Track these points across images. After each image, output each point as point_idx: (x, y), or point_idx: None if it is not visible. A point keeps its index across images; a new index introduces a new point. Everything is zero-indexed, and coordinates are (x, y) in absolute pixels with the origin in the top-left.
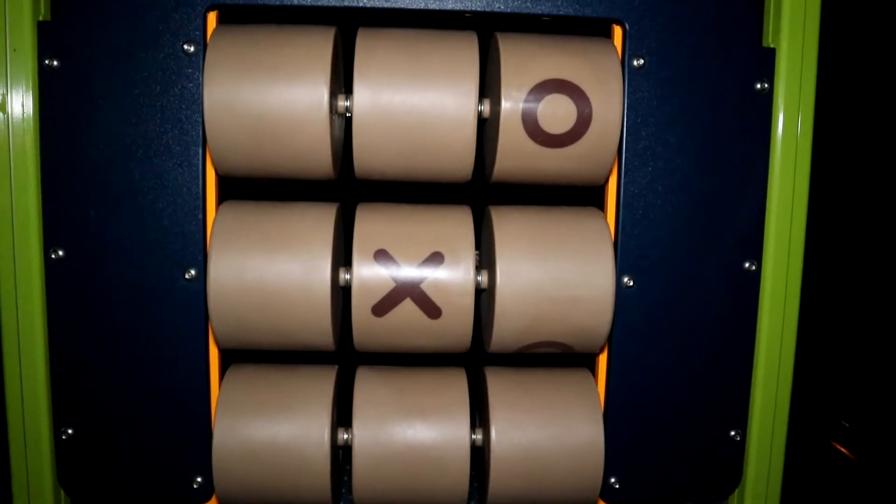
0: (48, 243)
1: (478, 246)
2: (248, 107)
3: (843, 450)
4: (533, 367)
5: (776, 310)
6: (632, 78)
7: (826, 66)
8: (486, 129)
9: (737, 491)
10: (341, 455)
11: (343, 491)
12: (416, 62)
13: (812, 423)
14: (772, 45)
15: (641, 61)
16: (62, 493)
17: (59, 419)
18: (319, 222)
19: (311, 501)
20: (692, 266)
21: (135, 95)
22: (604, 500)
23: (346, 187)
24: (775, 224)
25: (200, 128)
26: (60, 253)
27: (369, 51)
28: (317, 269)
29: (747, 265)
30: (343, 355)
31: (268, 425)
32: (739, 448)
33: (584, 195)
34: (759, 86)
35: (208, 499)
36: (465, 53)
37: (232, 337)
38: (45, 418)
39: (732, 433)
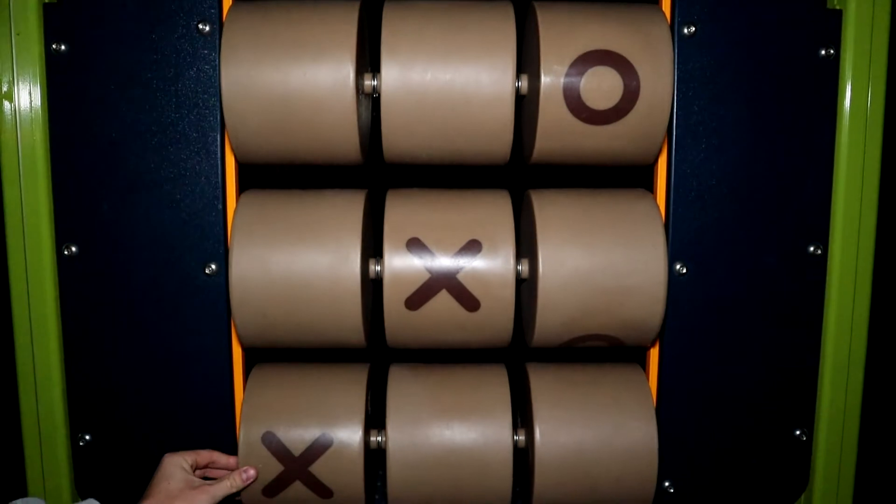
0: (60, 240)
1: (517, 232)
2: (269, 89)
3: None
4: (578, 363)
5: (845, 297)
6: (682, 47)
7: None
8: (525, 106)
9: (803, 496)
10: (374, 459)
11: (377, 497)
12: (448, 36)
13: (887, 421)
14: (838, 7)
15: (693, 29)
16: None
17: (75, 425)
18: (347, 211)
19: None
20: (751, 251)
21: (148, 80)
22: None
23: (375, 173)
24: (843, 204)
25: (218, 112)
26: (74, 249)
27: (397, 25)
28: (346, 261)
29: (812, 249)
30: (374, 353)
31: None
32: (806, 448)
33: (631, 177)
34: (823, 52)
35: None
36: (500, 25)
37: (256, 335)
38: (61, 424)
39: (798, 432)
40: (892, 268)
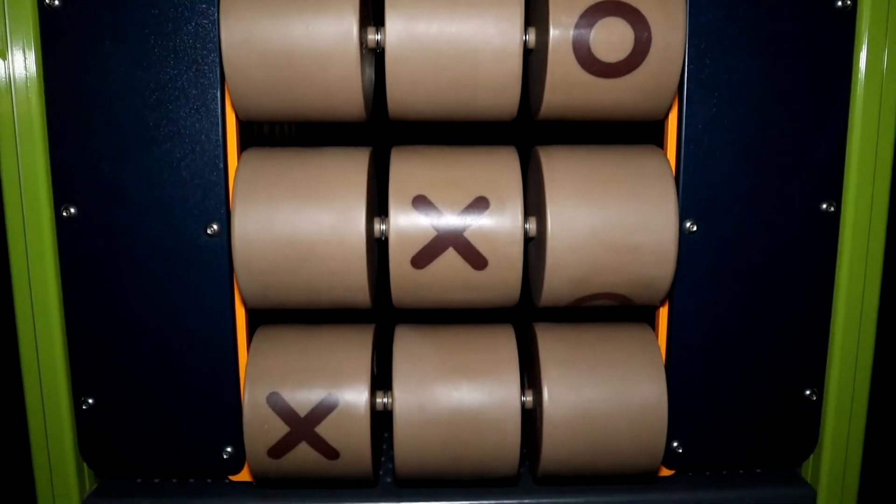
0: (59, 200)
1: (525, 190)
2: (270, 43)
3: None
4: (587, 322)
5: (857, 257)
6: None
7: None
8: (533, 60)
9: (812, 456)
10: (380, 421)
11: (383, 459)
12: None
13: (893, 384)
14: None
15: None
16: (85, 466)
17: (78, 388)
18: (351, 168)
19: (353, 474)
20: (763, 209)
21: (145, 35)
22: (666, 466)
23: (379, 130)
24: (857, 161)
25: (218, 68)
26: (72, 210)
27: None
28: (350, 220)
29: (825, 206)
30: (380, 313)
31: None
32: (815, 408)
33: (641, 133)
34: (840, 3)
35: (239, 469)
36: None
37: (260, 296)
38: (63, 388)
39: (808, 392)
40: None
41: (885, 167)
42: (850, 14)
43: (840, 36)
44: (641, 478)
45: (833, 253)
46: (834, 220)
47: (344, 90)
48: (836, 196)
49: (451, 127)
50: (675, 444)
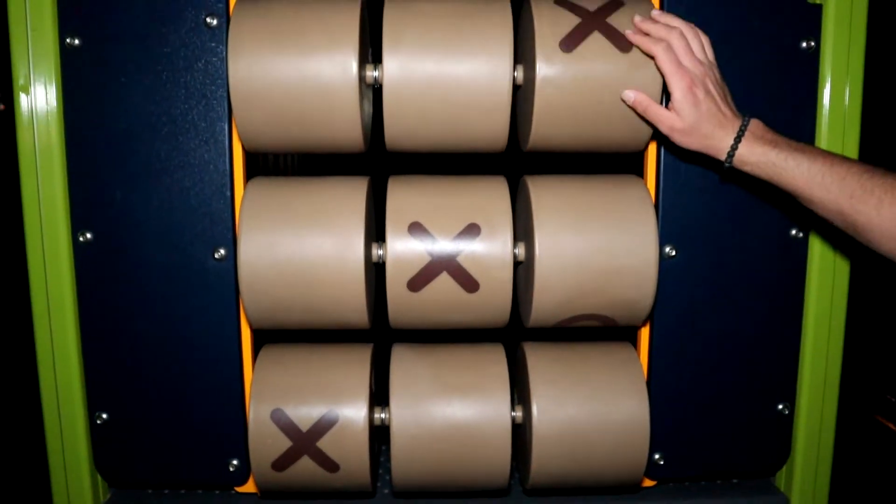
0: (76, 227)
1: (514, 217)
2: (275, 80)
3: (889, 424)
4: (573, 342)
5: (825, 280)
6: None
7: (876, 27)
8: (520, 95)
9: (785, 466)
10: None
11: (380, 472)
12: (447, 30)
13: (857, 397)
14: (818, 2)
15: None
16: (99, 478)
17: (93, 404)
18: (350, 197)
19: (352, 486)
20: (737, 234)
21: (158, 72)
22: (648, 477)
23: (376, 161)
24: None
25: (226, 103)
26: (88, 236)
27: (399, 19)
28: (350, 245)
29: (794, 233)
30: (377, 333)
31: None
32: (788, 421)
33: (623, 165)
34: (804, 45)
35: (245, 481)
36: (498, 19)
37: (264, 317)
38: (79, 403)
39: (780, 406)
40: (869, 251)
41: None
42: (814, 55)
43: (805, 74)
44: (625, 488)
45: (802, 275)
46: (803, 244)
47: (344, 124)
48: (804, 222)
49: (445, 157)
50: (657, 457)
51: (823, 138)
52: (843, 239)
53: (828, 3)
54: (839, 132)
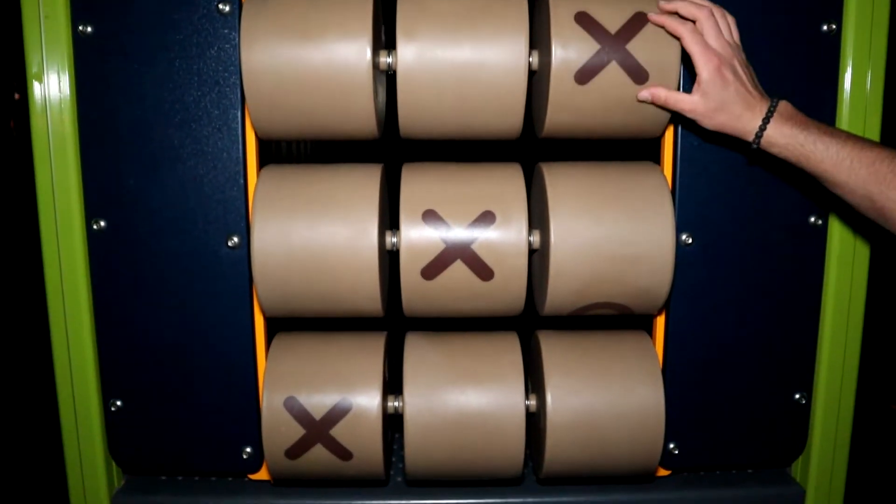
0: (90, 214)
1: (529, 204)
2: (288, 67)
3: None
4: (587, 330)
5: (844, 268)
6: None
7: None
8: (535, 81)
9: (801, 457)
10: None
11: (393, 460)
12: (462, 15)
13: (875, 387)
14: None
15: None
16: (113, 464)
17: (107, 391)
18: (364, 184)
19: (365, 474)
20: (755, 222)
21: (170, 59)
22: (662, 467)
23: (390, 148)
24: None
25: (239, 90)
26: (102, 224)
27: (413, 5)
28: (364, 233)
29: (813, 220)
30: (391, 321)
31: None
32: (805, 411)
33: (640, 150)
34: (826, 27)
35: (258, 469)
36: (513, 3)
37: (277, 305)
38: (93, 391)
39: (797, 396)
40: (889, 239)
41: None
42: (836, 38)
43: (826, 58)
44: (640, 478)
45: (821, 263)
46: (822, 232)
47: (357, 111)
48: (823, 210)
49: (460, 144)
50: (672, 446)
51: (844, 123)
52: (863, 226)
53: None
54: (860, 117)
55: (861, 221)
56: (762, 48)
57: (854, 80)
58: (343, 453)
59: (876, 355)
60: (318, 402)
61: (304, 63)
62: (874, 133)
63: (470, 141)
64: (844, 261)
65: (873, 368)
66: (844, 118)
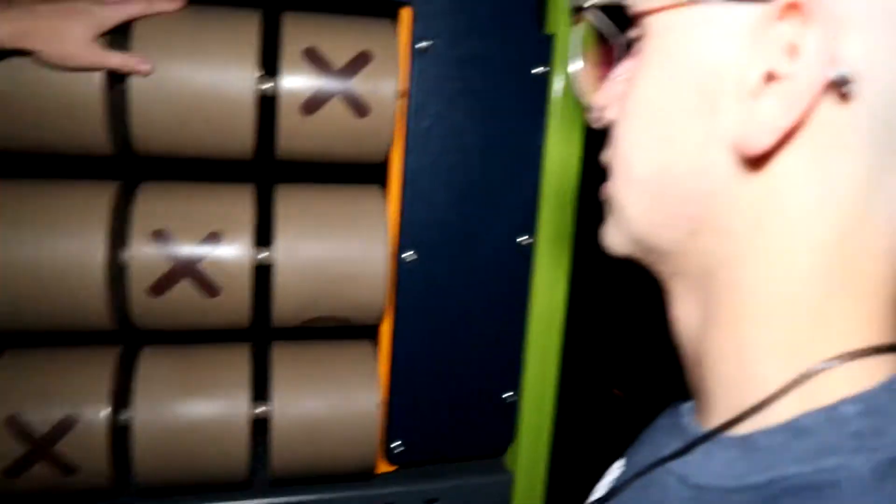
0: None
1: (269, 223)
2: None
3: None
4: (320, 340)
5: (548, 281)
6: (417, 60)
7: None
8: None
9: (511, 448)
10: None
11: (127, 474)
12: (195, 37)
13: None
14: (551, 32)
15: (428, 43)
16: None
17: None
18: (95, 201)
19: (93, 487)
20: (472, 240)
21: None
22: (390, 463)
23: (133, 166)
24: (548, 202)
25: None
26: None
27: (147, 28)
28: (89, 250)
29: (523, 239)
30: (128, 336)
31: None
32: (513, 408)
33: (373, 173)
34: (537, 70)
35: None
36: (245, 29)
37: (5, 320)
38: None
39: (507, 395)
40: (586, 256)
41: (570, 206)
42: (546, 78)
43: (537, 95)
44: (363, 474)
45: (528, 278)
46: (529, 251)
47: (87, 124)
48: (531, 231)
49: (200, 163)
50: (397, 443)
51: (552, 151)
52: (565, 245)
53: (559, 32)
54: (565, 144)
55: (564, 240)
56: (486, 89)
57: (562, 113)
58: (66, 468)
59: (594, 352)
60: (42, 417)
61: (23, 73)
62: (575, 156)
63: (219, 161)
64: (549, 275)
65: (596, 362)
66: (553, 145)
